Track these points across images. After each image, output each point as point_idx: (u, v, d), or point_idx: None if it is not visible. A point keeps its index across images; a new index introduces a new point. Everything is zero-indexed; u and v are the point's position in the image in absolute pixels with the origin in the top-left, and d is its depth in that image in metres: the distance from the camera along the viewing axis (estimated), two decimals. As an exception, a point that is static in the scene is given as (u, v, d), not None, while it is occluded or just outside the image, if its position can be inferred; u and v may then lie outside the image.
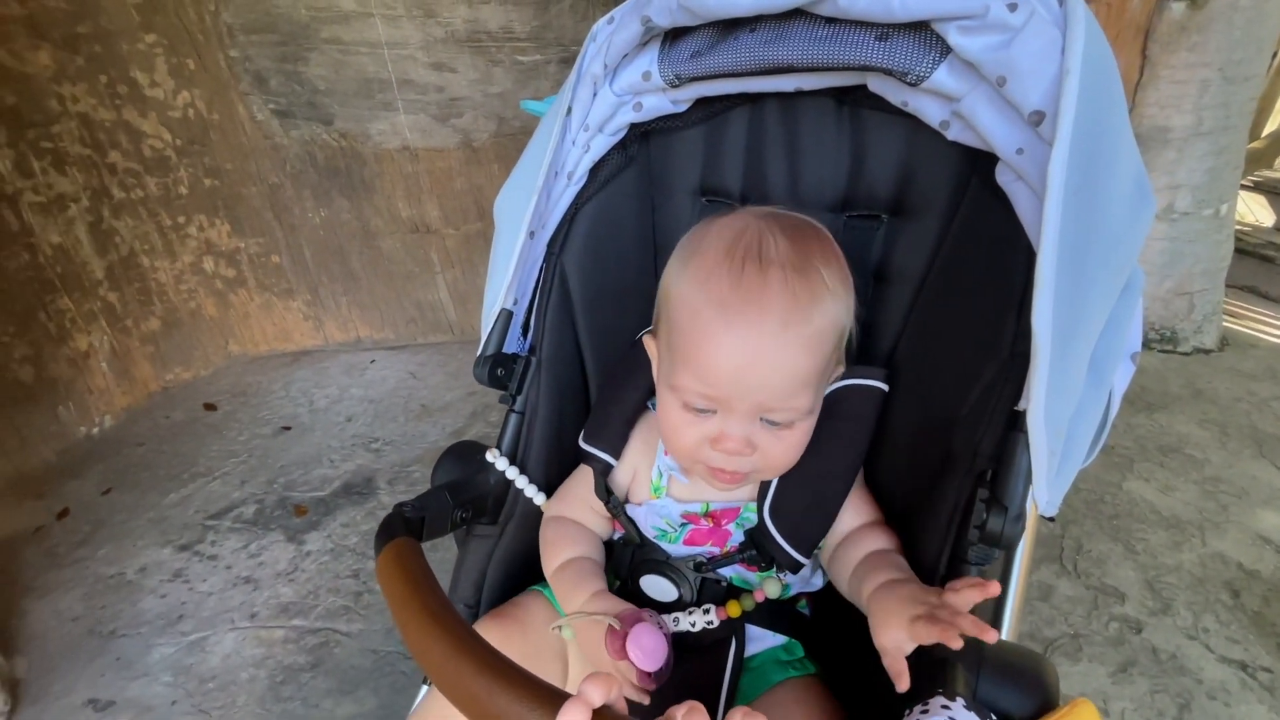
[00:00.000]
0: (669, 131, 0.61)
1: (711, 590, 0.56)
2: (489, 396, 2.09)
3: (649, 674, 0.47)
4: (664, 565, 0.56)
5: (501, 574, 0.60)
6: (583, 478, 0.61)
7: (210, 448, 1.83)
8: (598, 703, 0.30)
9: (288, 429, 1.90)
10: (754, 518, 0.55)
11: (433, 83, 1.71)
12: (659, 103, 0.56)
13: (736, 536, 0.57)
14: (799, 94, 0.54)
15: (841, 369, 0.55)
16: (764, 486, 0.55)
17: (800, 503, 0.53)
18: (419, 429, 1.92)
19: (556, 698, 0.31)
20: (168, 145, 1.79)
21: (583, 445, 0.59)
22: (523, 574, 0.61)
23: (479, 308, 0.57)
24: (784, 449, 0.51)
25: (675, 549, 0.57)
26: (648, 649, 0.47)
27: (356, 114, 1.74)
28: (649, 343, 0.57)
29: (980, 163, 0.48)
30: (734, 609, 0.54)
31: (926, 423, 0.51)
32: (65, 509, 1.61)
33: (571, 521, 0.60)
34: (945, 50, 0.45)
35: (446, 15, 1.61)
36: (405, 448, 1.84)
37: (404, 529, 0.45)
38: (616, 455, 0.59)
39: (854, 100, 0.54)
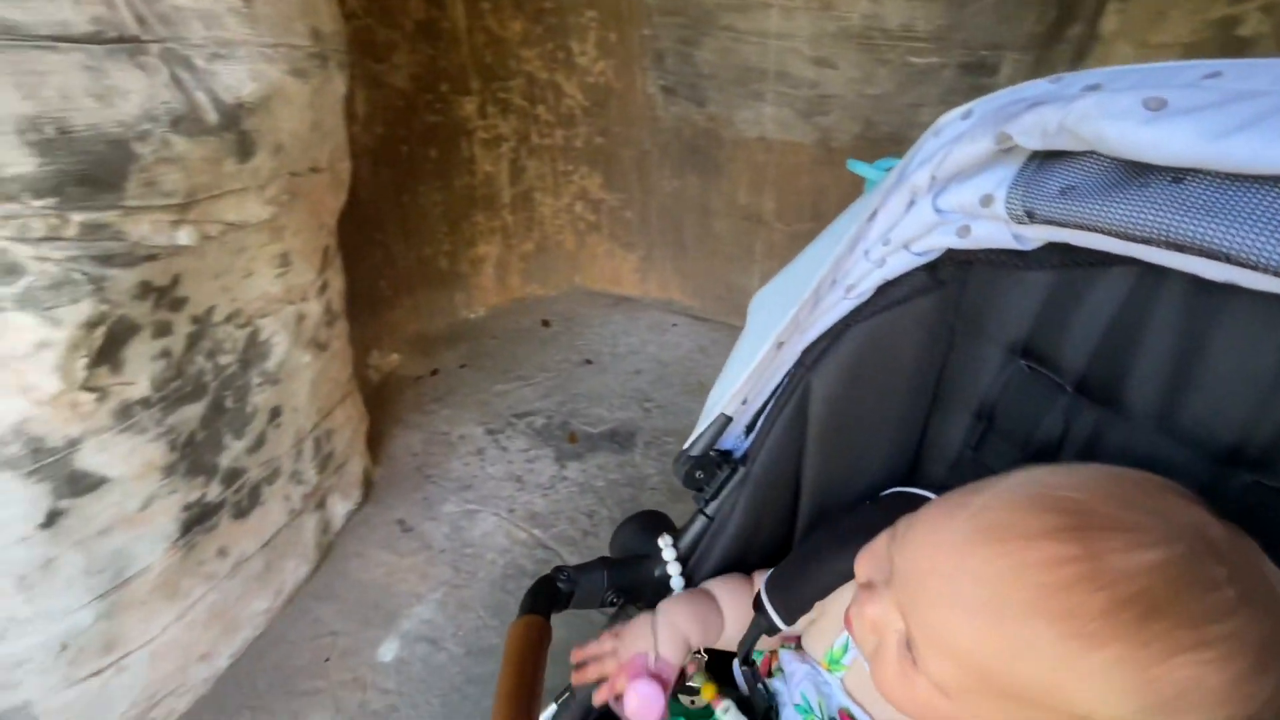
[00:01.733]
0: (1001, 266, 0.46)
1: None
2: (763, 396, 2.07)
3: None
4: None
5: (640, 659, 0.59)
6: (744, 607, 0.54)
7: (535, 358, 2.21)
8: None
9: (589, 363, 2.19)
10: None
11: (808, 77, 1.64)
12: (994, 232, 0.42)
13: None
14: (1231, 285, 0.34)
15: None
16: None
17: None
18: (688, 404, 2.02)
19: None
20: (578, 105, 2.11)
21: (763, 593, 0.51)
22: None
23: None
24: None
25: None
26: (643, 700, 0.48)
27: (728, 100, 1.78)
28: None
29: None
30: (709, 691, 0.47)
31: None
32: (436, 370, 2.15)
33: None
34: None
35: (845, 9, 1.50)
36: (670, 417, 1.96)
37: (548, 601, 0.47)
38: (787, 622, 0.50)
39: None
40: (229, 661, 1.28)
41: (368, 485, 1.68)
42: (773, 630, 0.49)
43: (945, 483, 0.48)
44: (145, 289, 0.82)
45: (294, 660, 1.31)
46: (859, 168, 0.84)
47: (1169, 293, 0.39)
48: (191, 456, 1.02)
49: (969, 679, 0.34)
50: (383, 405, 1.97)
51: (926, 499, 0.44)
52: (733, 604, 0.54)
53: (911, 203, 0.43)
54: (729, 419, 0.52)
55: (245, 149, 0.84)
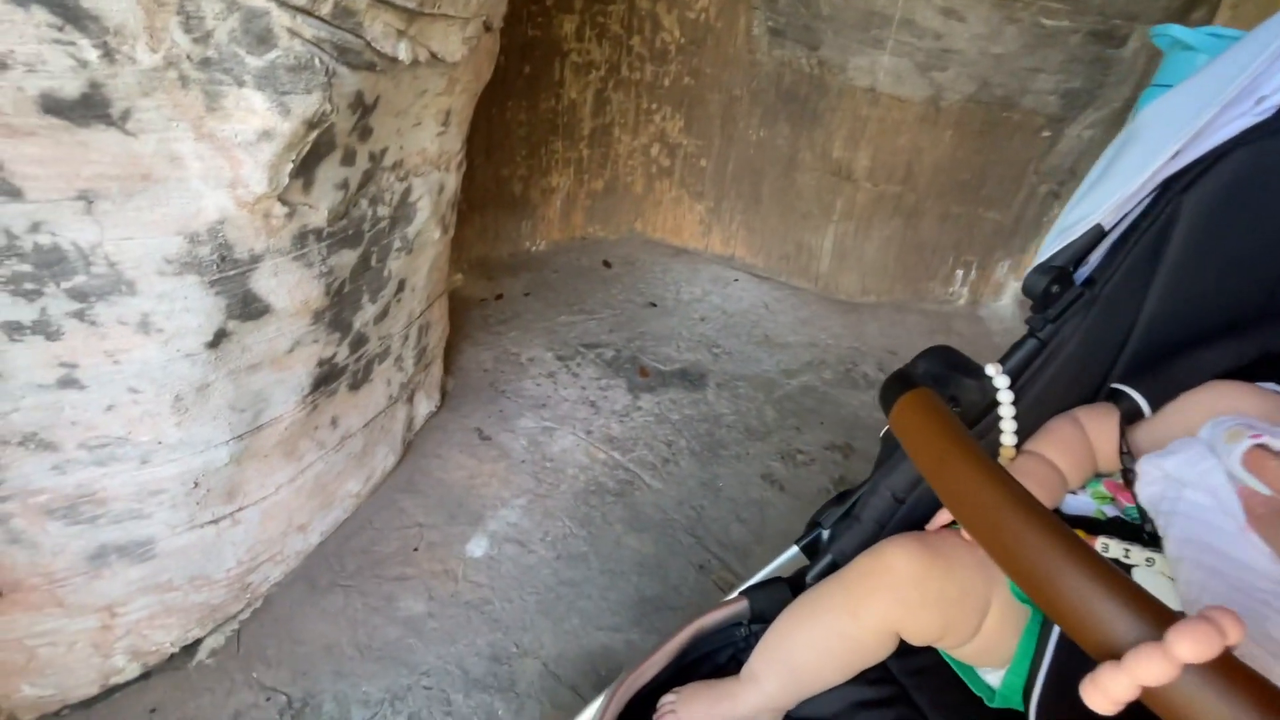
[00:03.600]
0: None
1: None
2: (827, 355, 2.07)
3: None
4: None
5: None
6: (1077, 426, 0.53)
7: (598, 294, 2.18)
8: (1187, 658, 0.26)
9: (654, 305, 2.16)
10: None
11: (933, 28, 1.63)
12: None
13: None
14: None
15: None
16: None
17: None
18: (755, 354, 2.01)
19: (1158, 614, 0.27)
20: (673, 41, 2.07)
21: (1120, 385, 0.51)
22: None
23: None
24: None
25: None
26: None
27: (843, 44, 1.77)
28: None
29: None
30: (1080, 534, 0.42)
31: None
32: (500, 294, 2.10)
33: (1045, 460, 0.53)
34: None
35: (988, -40, 1.50)
36: (740, 363, 1.95)
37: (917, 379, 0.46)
38: (1153, 405, 0.49)
39: None
40: (319, 538, 1.23)
41: (443, 393, 1.64)
42: (1133, 416, 0.49)
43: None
44: (356, 101, 0.78)
45: (381, 546, 1.28)
46: (1174, 30, 0.81)
47: None
48: (337, 307, 0.98)
49: None
50: (451, 321, 1.92)
51: None
52: (1067, 458, 0.53)
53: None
54: (1103, 231, 0.50)
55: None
